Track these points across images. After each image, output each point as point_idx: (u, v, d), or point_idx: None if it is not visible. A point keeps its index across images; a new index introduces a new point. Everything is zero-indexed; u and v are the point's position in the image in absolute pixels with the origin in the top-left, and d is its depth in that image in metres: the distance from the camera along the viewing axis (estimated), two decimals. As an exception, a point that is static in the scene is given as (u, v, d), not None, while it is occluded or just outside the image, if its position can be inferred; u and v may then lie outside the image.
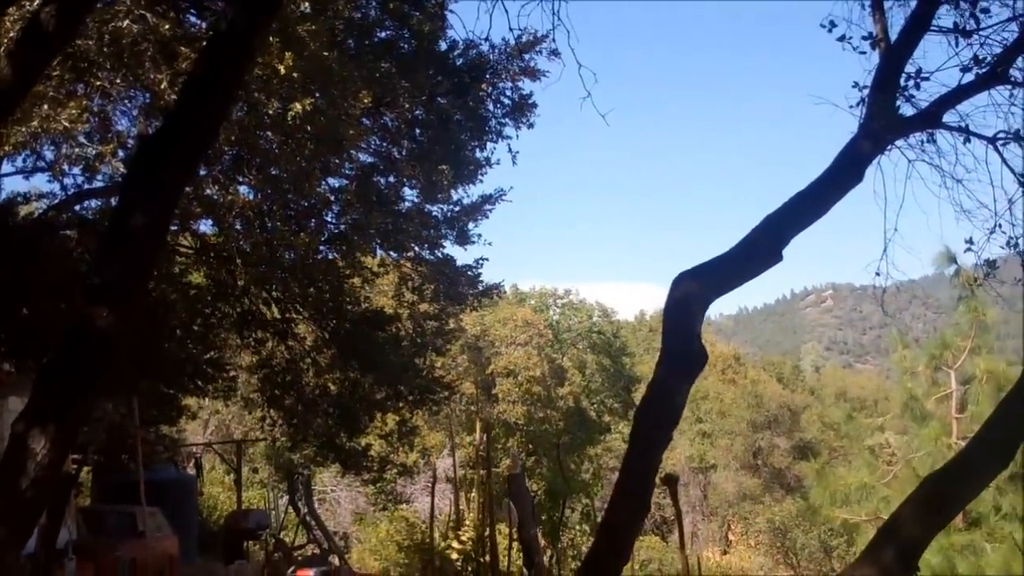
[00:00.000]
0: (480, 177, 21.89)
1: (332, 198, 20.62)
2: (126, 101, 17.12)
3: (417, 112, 20.24)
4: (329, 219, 21.31)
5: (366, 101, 16.65)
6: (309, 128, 15.76)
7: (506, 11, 7.98)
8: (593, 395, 61.67)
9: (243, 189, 19.11)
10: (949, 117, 8.88)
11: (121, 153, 16.79)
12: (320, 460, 28.18)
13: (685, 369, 7.25)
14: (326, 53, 15.33)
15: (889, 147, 8.84)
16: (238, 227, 19.80)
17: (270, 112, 15.48)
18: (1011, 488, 19.05)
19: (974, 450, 6.59)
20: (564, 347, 63.13)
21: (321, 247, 21.58)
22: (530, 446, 54.64)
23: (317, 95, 15.69)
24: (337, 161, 19.12)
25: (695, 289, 7.40)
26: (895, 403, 22.17)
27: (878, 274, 9.67)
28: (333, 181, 20.62)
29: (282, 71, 14.30)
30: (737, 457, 61.49)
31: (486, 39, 18.15)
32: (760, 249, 7.65)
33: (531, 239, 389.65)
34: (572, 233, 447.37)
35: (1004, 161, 9.24)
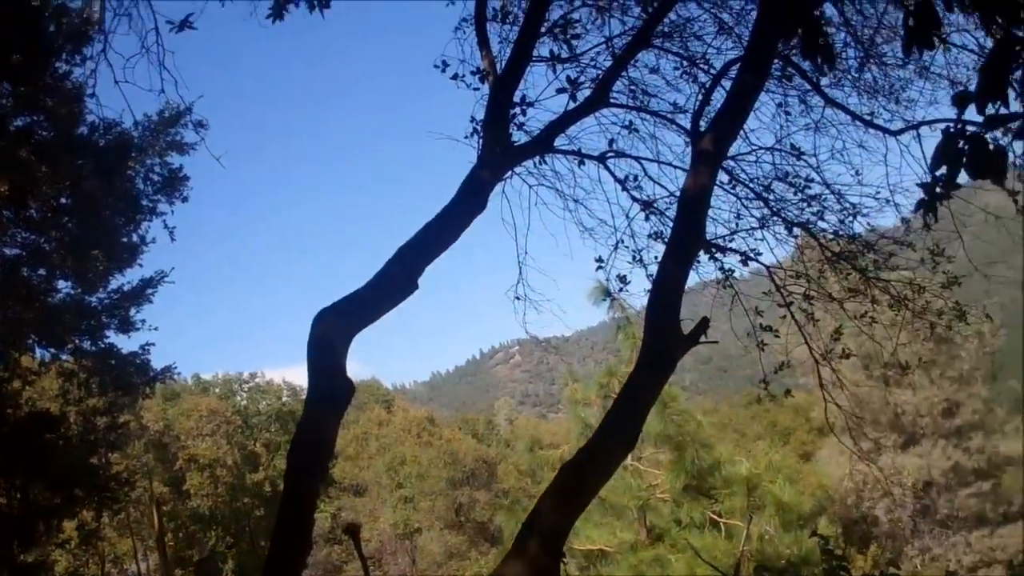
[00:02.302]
0: (139, 261, 21.50)
1: (-23, 296, 19.52)
2: None
3: (63, 199, 19.62)
4: (-24, 320, 20.13)
5: (2, 189, 16.01)
6: (-60, 221, 14.93)
7: (110, 65, 7.93)
8: (290, 477, 60.54)
9: None
10: (561, 142, 9.62)
11: None
12: (-4, 583, 26.13)
13: (333, 402, 7.37)
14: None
15: (509, 174, 9.46)
16: None
17: None
18: (686, 498, 20.36)
19: (602, 438, 7.10)
20: (255, 432, 61.83)
21: (-29, 350, 20.29)
22: (231, 534, 53.26)
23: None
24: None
25: (335, 325, 7.57)
26: (573, 435, 23.10)
27: (518, 298, 10.28)
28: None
29: (-98, 164, 13.55)
30: (440, 517, 61.88)
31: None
32: (396, 280, 7.92)
33: (210, 328, 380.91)
34: (252, 319, 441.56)
35: (615, 178, 10.15)
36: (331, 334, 7.46)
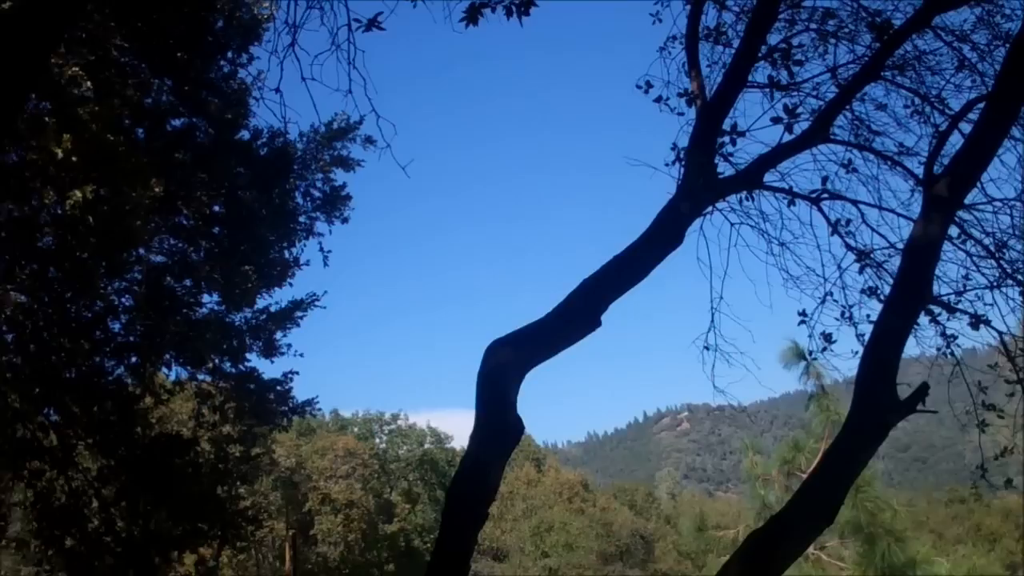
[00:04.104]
0: (289, 281, 21.64)
1: (118, 304, 20.07)
2: None
3: (216, 208, 20.03)
4: (115, 329, 20.69)
5: (156, 190, 16.45)
6: (91, 219, 15.46)
7: (298, 61, 8.12)
8: (427, 533, 60.80)
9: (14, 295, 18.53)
10: (771, 178, 9.43)
11: None
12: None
13: (500, 442, 7.43)
14: (110, 137, 15.16)
15: (710, 209, 9.33)
16: (8, 339, 19.06)
17: (47, 202, 15.18)
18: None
19: (796, 508, 6.94)
20: (392, 479, 62.42)
21: (107, 362, 20.83)
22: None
23: (99, 184, 15.44)
24: (124, 258, 18.68)
25: (510, 357, 7.61)
26: (750, 515, 22.60)
27: (707, 347, 10.06)
28: (120, 285, 20.14)
29: (60, 155, 14.09)
30: (587, 595, 61.41)
31: (284, 132, 18.28)
32: (577, 314, 7.92)
33: (355, 365, 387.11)
34: (399, 357, 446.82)
35: (829, 222, 9.86)
36: (505, 368, 7.52)
